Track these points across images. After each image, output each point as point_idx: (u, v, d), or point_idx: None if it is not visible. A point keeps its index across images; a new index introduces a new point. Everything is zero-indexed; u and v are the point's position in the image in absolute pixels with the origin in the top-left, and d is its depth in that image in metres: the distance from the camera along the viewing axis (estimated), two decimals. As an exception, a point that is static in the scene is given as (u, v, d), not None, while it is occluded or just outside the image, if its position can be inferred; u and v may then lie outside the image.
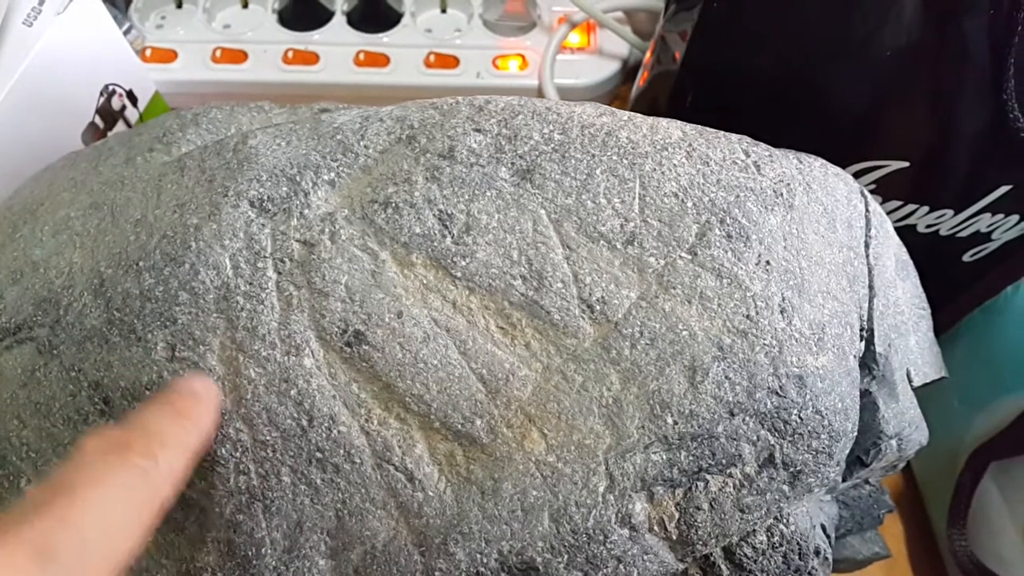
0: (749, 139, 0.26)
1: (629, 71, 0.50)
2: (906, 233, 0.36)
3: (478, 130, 0.24)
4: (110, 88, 0.42)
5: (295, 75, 0.49)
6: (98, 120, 0.42)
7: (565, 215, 0.23)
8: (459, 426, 0.22)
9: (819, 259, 0.24)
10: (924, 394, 0.32)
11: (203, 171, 0.25)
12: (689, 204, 0.23)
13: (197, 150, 0.27)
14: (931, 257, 0.36)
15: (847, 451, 0.23)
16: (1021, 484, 0.36)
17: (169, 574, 0.22)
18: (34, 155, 0.37)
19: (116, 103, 0.43)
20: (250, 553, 0.21)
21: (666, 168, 0.24)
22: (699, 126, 0.26)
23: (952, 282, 0.41)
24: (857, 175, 0.36)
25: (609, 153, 0.24)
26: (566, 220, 0.23)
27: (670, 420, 0.22)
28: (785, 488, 0.22)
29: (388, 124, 0.25)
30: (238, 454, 0.22)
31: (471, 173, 0.23)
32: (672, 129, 0.25)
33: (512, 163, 0.24)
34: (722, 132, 0.26)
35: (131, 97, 0.44)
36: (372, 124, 0.25)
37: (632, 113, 0.25)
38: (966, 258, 0.41)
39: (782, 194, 0.24)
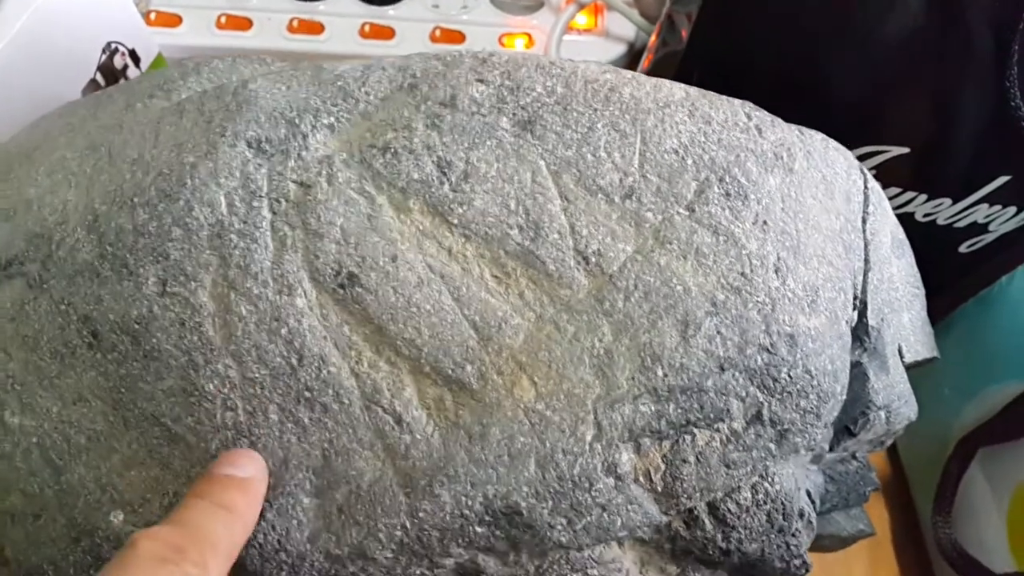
0: (752, 104, 0.26)
1: (635, 54, 0.50)
2: (904, 221, 0.36)
3: (481, 80, 0.24)
4: (112, 46, 0.42)
5: (299, 44, 0.49)
6: (99, 77, 0.42)
7: (564, 167, 0.23)
8: (449, 371, 0.22)
9: (816, 224, 0.24)
10: (915, 380, 0.32)
11: (202, 113, 0.25)
12: (689, 161, 0.23)
13: (197, 94, 0.27)
14: (928, 246, 0.36)
15: (835, 413, 0.23)
16: (1007, 472, 0.36)
17: (153, 508, 0.22)
18: (34, 109, 0.37)
19: (118, 61, 0.43)
20: (234, 489, 0.21)
21: (668, 125, 0.24)
22: (702, 89, 0.26)
23: (948, 272, 0.41)
24: (858, 160, 0.36)
25: (611, 108, 0.24)
26: (565, 172, 0.23)
27: (660, 372, 0.22)
28: (771, 446, 0.22)
29: (390, 72, 0.25)
30: (226, 390, 0.22)
31: (472, 122, 0.23)
32: (675, 89, 0.25)
33: (513, 114, 0.24)
34: (725, 96, 0.26)
35: (134, 56, 0.44)
36: (374, 72, 0.25)
37: (636, 72, 0.25)
38: (963, 249, 0.41)
39: (782, 157, 0.24)
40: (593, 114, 0.23)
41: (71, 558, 0.22)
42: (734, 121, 0.24)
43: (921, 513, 0.42)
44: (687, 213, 0.23)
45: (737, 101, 0.26)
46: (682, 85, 0.25)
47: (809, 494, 0.25)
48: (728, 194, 0.23)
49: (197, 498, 0.19)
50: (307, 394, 0.22)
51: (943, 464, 0.38)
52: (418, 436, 0.21)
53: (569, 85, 0.24)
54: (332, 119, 0.24)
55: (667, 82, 0.25)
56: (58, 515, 0.22)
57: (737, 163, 0.23)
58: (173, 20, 0.49)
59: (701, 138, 0.24)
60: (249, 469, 0.20)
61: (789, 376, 0.22)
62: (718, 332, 0.22)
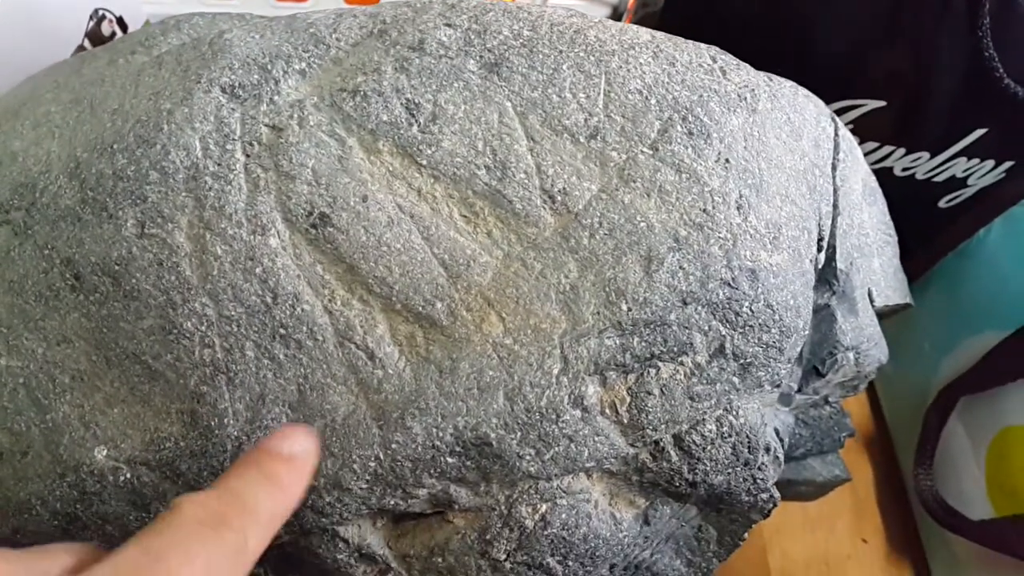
0: (718, 48, 0.26)
1: (619, 17, 0.50)
2: (883, 176, 0.37)
3: (449, 25, 0.24)
4: (100, 12, 0.42)
5: (286, 11, 0.49)
6: (88, 44, 0.42)
7: (531, 108, 0.23)
8: (420, 308, 0.22)
9: (779, 163, 0.24)
10: (896, 337, 0.32)
11: (179, 63, 0.26)
12: (653, 101, 0.24)
13: (176, 47, 0.27)
14: (908, 202, 0.36)
15: (798, 348, 0.24)
16: (985, 422, 0.37)
17: (134, 443, 0.22)
18: (22, 75, 0.38)
19: (106, 28, 0.43)
20: (213, 423, 0.22)
21: (632, 66, 0.24)
22: (669, 34, 0.26)
23: (928, 227, 0.41)
24: (835, 114, 0.36)
25: (577, 50, 0.24)
26: (531, 113, 0.23)
27: (624, 307, 0.22)
28: (735, 380, 0.23)
29: (361, 19, 0.25)
30: (203, 328, 0.22)
31: (439, 64, 0.24)
32: (641, 32, 0.25)
33: (480, 56, 0.24)
34: (692, 41, 0.26)
35: (121, 24, 0.44)
36: (345, 19, 0.25)
37: (602, 17, 0.26)
38: (942, 204, 0.41)
39: (746, 98, 0.24)
40: (559, 56, 0.24)
41: (57, 492, 0.23)
42: (698, 63, 0.25)
43: (904, 467, 0.43)
44: (651, 152, 0.23)
45: (703, 45, 0.26)
46: (648, 29, 0.26)
47: (777, 432, 0.26)
48: (691, 133, 0.23)
49: (245, 467, 0.18)
50: (282, 331, 0.22)
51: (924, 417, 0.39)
52: (390, 371, 0.22)
53: (535, 28, 0.24)
54: (304, 65, 0.24)
55: (633, 26, 0.26)
56: (44, 452, 0.23)
57: (700, 103, 0.24)
58: (161, -11, 0.50)
59: (665, 79, 0.24)
60: (300, 445, 0.19)
61: (751, 310, 0.23)
62: (680, 267, 0.22)
